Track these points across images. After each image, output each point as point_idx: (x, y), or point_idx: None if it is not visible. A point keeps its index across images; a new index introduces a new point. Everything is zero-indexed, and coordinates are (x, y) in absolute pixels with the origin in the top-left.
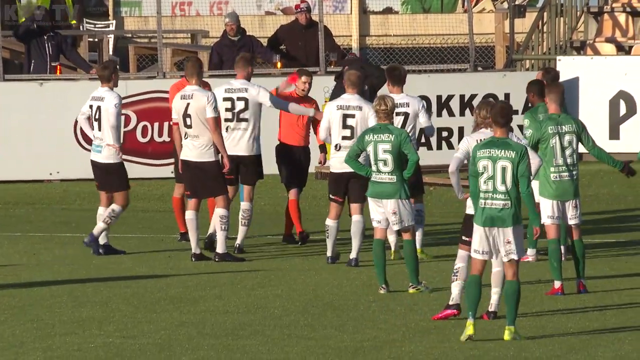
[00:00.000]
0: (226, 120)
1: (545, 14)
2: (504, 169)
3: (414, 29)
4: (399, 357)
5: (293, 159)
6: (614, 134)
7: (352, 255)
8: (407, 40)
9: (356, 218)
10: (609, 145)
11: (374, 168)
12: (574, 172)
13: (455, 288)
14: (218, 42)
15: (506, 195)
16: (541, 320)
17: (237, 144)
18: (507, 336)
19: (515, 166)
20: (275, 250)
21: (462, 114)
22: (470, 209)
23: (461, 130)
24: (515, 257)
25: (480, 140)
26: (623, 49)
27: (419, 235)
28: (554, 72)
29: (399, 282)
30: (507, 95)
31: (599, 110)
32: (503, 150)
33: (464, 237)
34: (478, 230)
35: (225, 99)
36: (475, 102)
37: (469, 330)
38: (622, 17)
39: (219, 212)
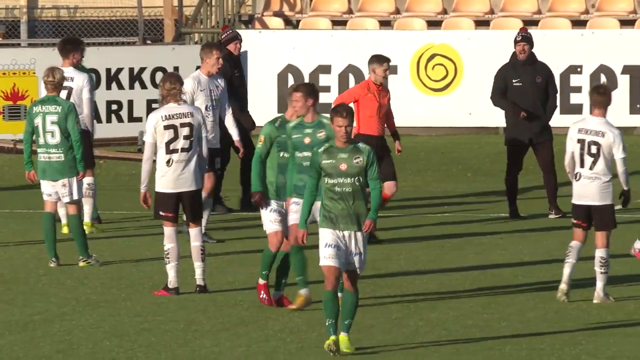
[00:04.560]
0: None
1: None
2: None
3: (83, 2)
4: (69, 330)
5: (376, 151)
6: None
7: None
8: (76, 13)
9: None
10: None
11: (41, 141)
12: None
13: (171, 271)
14: None
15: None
16: None
17: None
18: (345, 348)
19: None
20: None
21: (131, 87)
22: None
23: (131, 104)
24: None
25: (165, 116)
26: (291, 23)
27: (89, 208)
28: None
29: (69, 256)
30: (176, 69)
31: (268, 84)
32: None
33: (161, 213)
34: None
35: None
36: (145, 76)
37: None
38: None
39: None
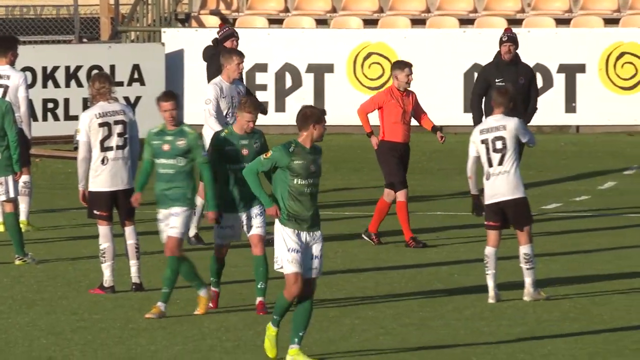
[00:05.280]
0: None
1: None
2: None
3: (19, 0)
4: (5, 329)
5: (401, 157)
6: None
7: None
8: (13, 11)
9: None
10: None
11: None
12: None
13: (107, 270)
14: None
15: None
16: None
17: None
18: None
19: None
20: None
21: (67, 85)
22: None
23: (67, 102)
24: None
25: (99, 114)
26: (228, 22)
27: (26, 207)
28: None
29: (6, 254)
30: (112, 67)
31: (203, 83)
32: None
33: (96, 212)
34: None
35: None
36: (81, 74)
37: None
38: None
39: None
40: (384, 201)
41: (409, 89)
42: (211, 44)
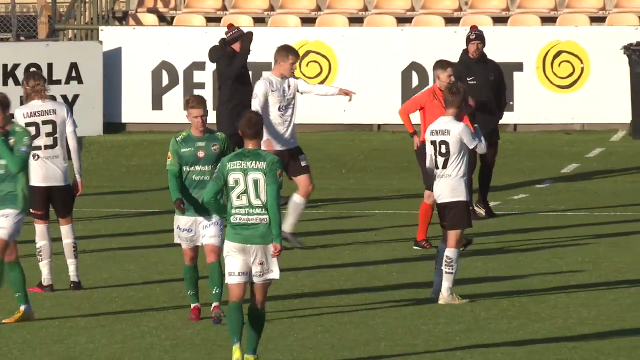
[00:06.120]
0: None
1: None
2: (256, 182)
3: None
4: None
5: None
6: (157, 105)
7: None
8: None
9: None
10: (153, 117)
11: None
12: None
13: (45, 268)
14: None
15: (263, 209)
16: None
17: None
18: None
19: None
20: None
21: (5, 84)
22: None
23: None
24: (272, 277)
25: (27, 114)
26: (165, 20)
27: None
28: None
29: None
30: (50, 65)
31: (142, 81)
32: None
33: (32, 210)
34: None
35: None
36: (19, 72)
37: (237, 354)
38: None
39: None
40: (424, 204)
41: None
42: (218, 44)
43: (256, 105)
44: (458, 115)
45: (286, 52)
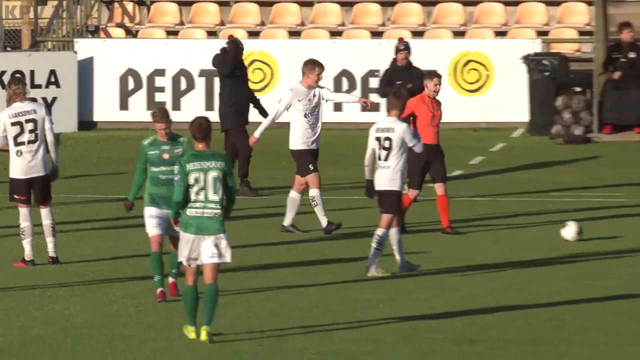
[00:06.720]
0: None
1: (64, 2)
2: (215, 180)
3: None
4: None
5: (429, 157)
6: (124, 106)
7: None
8: None
9: None
10: (120, 116)
11: None
12: None
13: (27, 245)
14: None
15: (217, 204)
16: None
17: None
18: (203, 336)
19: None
20: None
21: None
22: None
23: None
24: (223, 261)
25: (12, 114)
26: (131, 33)
27: None
28: None
29: None
30: (32, 72)
31: (111, 85)
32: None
33: (16, 196)
34: (189, 239)
35: None
36: (5, 78)
37: (192, 335)
38: (130, 6)
39: None
40: (439, 197)
41: (437, 97)
42: (219, 52)
43: (278, 106)
44: (400, 116)
45: (312, 65)
